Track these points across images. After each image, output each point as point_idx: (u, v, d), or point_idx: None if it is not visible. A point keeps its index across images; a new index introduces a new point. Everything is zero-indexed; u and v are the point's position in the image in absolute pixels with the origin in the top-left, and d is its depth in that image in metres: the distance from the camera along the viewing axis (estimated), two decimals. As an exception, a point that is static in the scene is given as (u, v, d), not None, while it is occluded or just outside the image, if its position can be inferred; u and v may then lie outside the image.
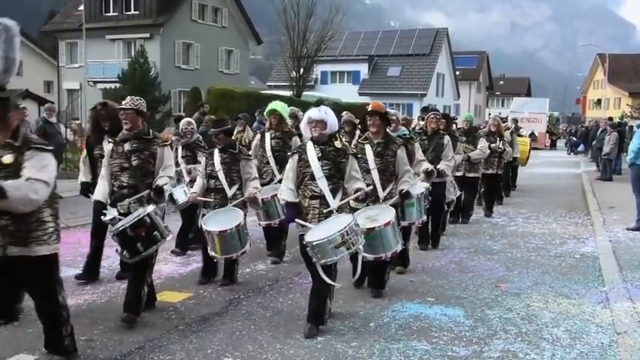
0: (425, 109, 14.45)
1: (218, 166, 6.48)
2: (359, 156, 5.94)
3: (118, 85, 28.57)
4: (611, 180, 18.02)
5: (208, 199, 6.51)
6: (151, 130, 5.64)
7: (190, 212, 7.70)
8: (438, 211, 8.52)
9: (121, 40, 35.68)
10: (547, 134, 42.94)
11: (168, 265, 7.48)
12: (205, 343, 4.89)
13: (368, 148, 6.17)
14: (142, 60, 29.43)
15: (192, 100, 25.87)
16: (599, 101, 58.14)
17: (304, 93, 34.77)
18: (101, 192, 5.58)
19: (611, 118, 24.12)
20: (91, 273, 6.65)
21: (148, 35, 34.24)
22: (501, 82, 74.48)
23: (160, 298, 5.96)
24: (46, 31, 40.88)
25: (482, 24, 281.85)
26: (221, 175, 6.46)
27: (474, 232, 10.08)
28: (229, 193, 6.46)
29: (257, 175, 6.70)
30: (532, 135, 38.47)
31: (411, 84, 45.20)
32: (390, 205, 5.87)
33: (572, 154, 35.63)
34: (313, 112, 5.21)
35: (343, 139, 5.86)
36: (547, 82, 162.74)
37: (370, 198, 5.79)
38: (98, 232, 6.51)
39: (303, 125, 5.33)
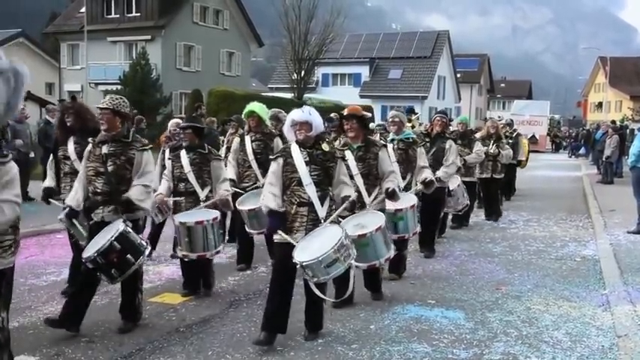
0: (410, 111, 14.46)
1: (187, 167, 6.11)
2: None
3: (119, 86, 28.60)
4: (612, 183, 18.01)
5: (178, 199, 6.15)
6: (131, 133, 5.25)
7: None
8: (434, 216, 8.14)
9: (122, 42, 35.74)
10: (549, 137, 42.96)
11: (169, 266, 7.48)
12: (206, 345, 4.89)
13: (349, 154, 5.87)
14: (144, 62, 29.48)
15: (193, 102, 25.89)
16: (600, 104, 58.12)
17: (305, 95, 34.79)
18: (73, 196, 5.15)
19: (614, 122, 24.13)
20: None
21: (149, 37, 34.30)
22: (502, 85, 74.47)
23: (160, 300, 5.97)
24: (48, 33, 40.96)
25: (484, 27, 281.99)
26: (191, 177, 6.10)
27: (474, 234, 10.07)
28: (202, 195, 6.11)
29: (227, 177, 6.45)
30: (533, 138, 38.57)
31: (412, 86, 45.24)
32: (378, 210, 5.70)
33: (573, 156, 35.62)
34: (297, 114, 4.89)
35: (332, 142, 5.68)
36: (548, 85, 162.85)
37: (356, 205, 5.49)
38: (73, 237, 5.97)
39: (286, 128, 5.01)
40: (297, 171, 4.82)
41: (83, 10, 33.50)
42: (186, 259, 6.04)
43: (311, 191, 4.79)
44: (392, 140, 7.03)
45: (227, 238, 8.18)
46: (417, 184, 6.92)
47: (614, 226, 10.44)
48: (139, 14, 35.26)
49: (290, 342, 4.98)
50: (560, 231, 10.56)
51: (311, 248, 4.56)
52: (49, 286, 6.64)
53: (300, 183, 4.81)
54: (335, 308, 5.67)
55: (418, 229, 6.73)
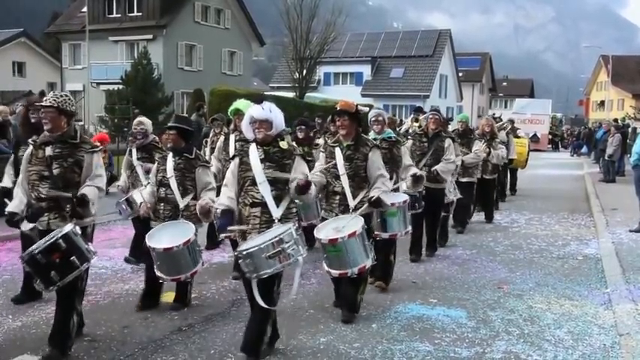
0: (418, 110, 13.50)
1: (170, 172, 5.66)
2: (329, 160, 5.59)
3: (121, 86, 28.63)
4: (614, 182, 17.98)
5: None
6: (78, 133, 4.76)
7: (146, 219, 6.38)
8: (435, 217, 7.98)
9: (124, 42, 35.75)
10: (552, 137, 42.91)
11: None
12: (208, 344, 4.90)
13: (338, 152, 5.56)
14: (145, 61, 29.47)
15: (194, 102, 25.90)
16: (602, 103, 58.06)
17: (307, 94, 34.77)
18: (16, 204, 4.69)
19: (616, 120, 24.10)
20: (30, 294, 5.81)
21: (150, 37, 34.32)
22: (504, 84, 74.37)
23: (163, 299, 5.97)
24: (50, 33, 40.97)
25: (486, 25, 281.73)
26: (173, 183, 5.64)
27: (476, 233, 10.07)
28: (181, 203, 5.63)
29: (215, 186, 5.79)
30: (534, 137, 38.50)
31: (413, 85, 45.20)
32: (361, 215, 5.27)
33: (575, 155, 35.58)
34: (256, 111, 4.52)
35: (290, 139, 5.28)
36: (550, 84, 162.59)
37: (315, 194, 5.26)
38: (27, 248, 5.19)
39: (244, 125, 4.63)
40: (251, 169, 4.49)
41: (85, 9, 33.52)
42: (160, 280, 5.51)
43: (265, 190, 4.44)
44: (374, 140, 6.53)
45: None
46: (405, 180, 6.70)
47: (616, 225, 10.43)
48: (140, 14, 35.28)
49: (292, 341, 4.99)
50: (562, 230, 10.55)
51: (257, 241, 4.28)
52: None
53: (254, 182, 4.49)
54: (345, 323, 5.43)
55: (410, 229, 6.41)
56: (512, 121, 16.37)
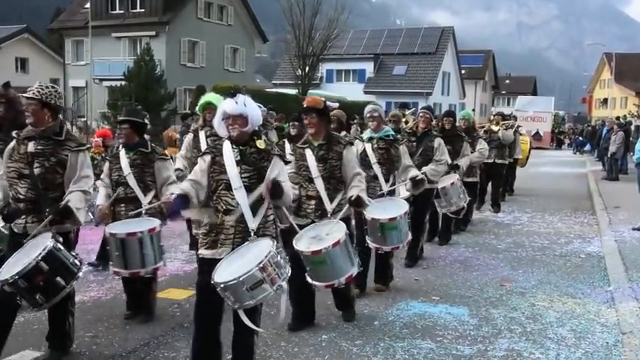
0: (403, 106, 12.82)
1: (127, 169, 5.25)
2: (300, 163, 5.19)
3: (123, 82, 28.64)
4: (617, 179, 17.94)
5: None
6: (64, 129, 4.42)
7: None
8: (419, 222, 7.31)
9: (126, 38, 35.79)
10: (555, 134, 42.79)
11: (173, 262, 7.49)
12: (210, 340, 4.89)
13: (309, 153, 5.12)
14: (148, 58, 29.44)
15: (197, 98, 25.91)
16: (605, 100, 57.93)
17: (310, 91, 34.74)
18: None
19: (618, 118, 24.05)
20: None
21: (153, 33, 34.35)
22: (507, 81, 74.26)
23: (165, 296, 5.98)
24: (52, 29, 41.02)
25: (489, 23, 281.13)
26: (131, 180, 5.23)
27: (478, 230, 10.06)
28: (144, 201, 5.23)
29: (176, 179, 5.48)
30: (537, 134, 38.41)
31: (416, 83, 45.13)
32: (340, 219, 4.86)
33: (577, 153, 35.51)
34: (229, 105, 4.00)
35: (268, 138, 4.75)
36: (553, 82, 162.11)
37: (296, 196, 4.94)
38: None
39: (216, 122, 4.13)
40: (225, 172, 3.99)
41: (87, 5, 33.63)
42: (117, 277, 5.10)
43: (241, 197, 3.94)
44: (370, 139, 6.26)
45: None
46: (405, 184, 6.32)
47: (619, 223, 10.41)
48: (143, 10, 35.31)
49: (294, 337, 4.99)
50: (564, 227, 10.53)
51: (234, 266, 3.73)
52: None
53: (228, 187, 3.96)
54: (346, 322, 5.35)
55: (410, 237, 5.91)
56: (514, 118, 16.19)
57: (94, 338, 4.92)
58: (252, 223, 3.95)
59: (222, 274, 3.71)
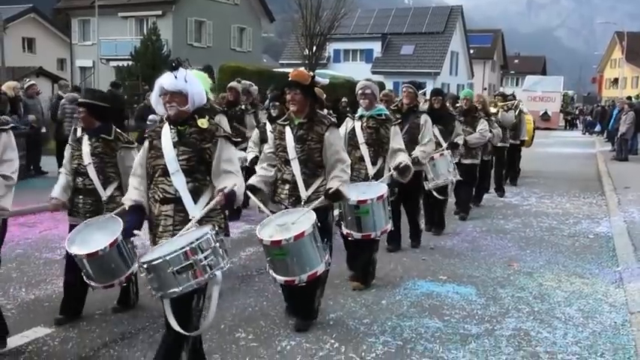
0: (416, 86, 12.57)
1: (87, 157, 4.69)
2: (278, 142, 4.69)
3: (130, 62, 28.59)
4: (627, 160, 17.85)
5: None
6: None
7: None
8: (414, 204, 7.10)
9: (133, 18, 35.65)
10: (562, 114, 42.42)
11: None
12: (218, 319, 4.91)
13: (288, 132, 4.64)
14: (154, 38, 29.38)
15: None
16: (615, 80, 57.34)
17: (317, 71, 34.53)
18: None
19: (629, 98, 23.83)
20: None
21: (160, 13, 34.19)
22: (516, 61, 73.62)
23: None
24: (59, 9, 40.84)
25: (498, 1, 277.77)
26: (91, 171, 4.69)
27: (486, 211, 10.03)
28: (104, 195, 4.72)
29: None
30: (545, 115, 38.13)
31: (424, 62, 44.84)
32: (316, 210, 4.38)
33: (587, 133, 35.26)
34: (166, 80, 3.57)
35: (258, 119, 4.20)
36: (563, 61, 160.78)
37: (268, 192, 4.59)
38: None
39: (153, 98, 3.69)
40: (162, 156, 3.60)
41: (94, -15, 33.37)
42: (91, 289, 4.59)
43: (179, 182, 3.55)
44: (361, 117, 5.88)
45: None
46: (390, 171, 5.84)
47: (629, 204, 10.36)
48: (149, -11, 35.09)
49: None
50: (573, 208, 10.49)
51: (163, 249, 3.34)
52: (63, 259, 6.70)
53: (165, 172, 3.58)
54: (298, 332, 4.67)
55: (389, 226, 5.45)
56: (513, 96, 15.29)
57: (103, 315, 4.96)
58: (193, 211, 3.53)
59: (148, 256, 3.33)
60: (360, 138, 5.76)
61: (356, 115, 5.96)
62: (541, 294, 5.73)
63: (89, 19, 35.37)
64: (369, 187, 5.39)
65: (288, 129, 4.64)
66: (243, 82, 9.20)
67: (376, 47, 46.74)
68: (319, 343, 4.48)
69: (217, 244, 3.31)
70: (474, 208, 9.94)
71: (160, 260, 3.18)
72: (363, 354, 4.31)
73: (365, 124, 5.80)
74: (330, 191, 4.47)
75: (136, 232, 3.63)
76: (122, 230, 4.04)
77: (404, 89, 7.00)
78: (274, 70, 30.78)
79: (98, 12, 30.16)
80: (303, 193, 4.58)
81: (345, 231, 5.39)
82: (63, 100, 12.11)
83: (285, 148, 4.61)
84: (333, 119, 4.92)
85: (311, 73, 4.70)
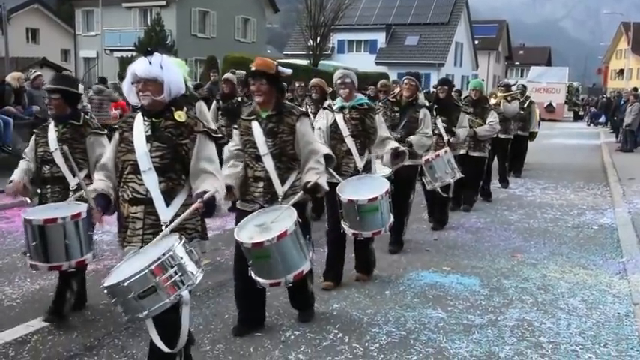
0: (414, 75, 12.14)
1: (54, 144, 4.48)
2: (245, 138, 4.33)
3: (134, 53, 28.55)
4: (632, 151, 17.78)
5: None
6: None
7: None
8: (404, 203, 6.57)
9: (137, 8, 35.61)
10: (567, 106, 42.19)
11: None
12: (222, 309, 4.94)
13: (255, 127, 4.30)
14: (158, 28, 29.42)
15: (208, 69, 25.82)
16: (621, 71, 57.02)
17: (321, 62, 34.49)
18: None
19: (635, 89, 23.69)
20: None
21: (164, 3, 34.16)
22: (521, 52, 73.23)
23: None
24: (63, -1, 40.88)
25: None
26: (58, 158, 4.45)
27: (490, 202, 10.00)
28: (72, 183, 4.48)
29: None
30: (550, 106, 37.94)
31: (428, 53, 44.67)
32: (294, 205, 4.15)
33: (592, 125, 35.12)
34: (140, 66, 3.27)
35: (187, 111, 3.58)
36: (568, 52, 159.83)
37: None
38: None
39: (125, 86, 3.40)
40: (133, 150, 3.29)
41: (97, -25, 33.31)
42: (34, 270, 4.43)
43: (150, 182, 3.24)
44: (342, 108, 5.51)
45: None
46: (381, 158, 5.63)
47: (633, 195, 10.33)
48: (153, -21, 35.03)
49: (305, 306, 5.02)
50: (577, 199, 10.47)
51: (131, 267, 3.02)
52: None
53: (136, 169, 3.27)
54: (304, 322, 4.64)
55: (392, 220, 5.33)
56: (524, 87, 14.57)
57: (109, 305, 4.98)
58: (165, 215, 3.24)
59: (113, 276, 3.03)
60: (345, 131, 5.40)
61: (335, 107, 5.58)
62: (545, 285, 5.73)
63: (93, 10, 35.34)
64: (370, 181, 5.24)
65: (255, 124, 4.30)
66: (238, 72, 8.98)
67: (380, 38, 46.56)
68: (323, 332, 4.50)
69: (184, 258, 3.00)
70: (479, 200, 9.79)
71: (119, 286, 2.89)
72: (366, 344, 4.32)
73: (348, 116, 5.45)
74: (309, 185, 4.18)
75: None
76: (90, 209, 3.63)
77: (405, 81, 6.64)
78: (278, 61, 30.74)
79: (102, 2, 30.15)
80: (279, 190, 4.26)
81: (350, 231, 5.22)
82: (90, 93, 12.22)
83: (255, 144, 4.26)
84: (302, 109, 4.63)
85: (275, 62, 4.40)
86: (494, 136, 9.70)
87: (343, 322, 4.73)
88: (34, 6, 39.27)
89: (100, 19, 31.88)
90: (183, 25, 34.58)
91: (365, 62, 39.96)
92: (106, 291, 2.96)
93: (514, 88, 12.61)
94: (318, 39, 35.17)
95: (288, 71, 4.35)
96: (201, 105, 6.20)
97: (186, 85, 5.84)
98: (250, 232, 3.94)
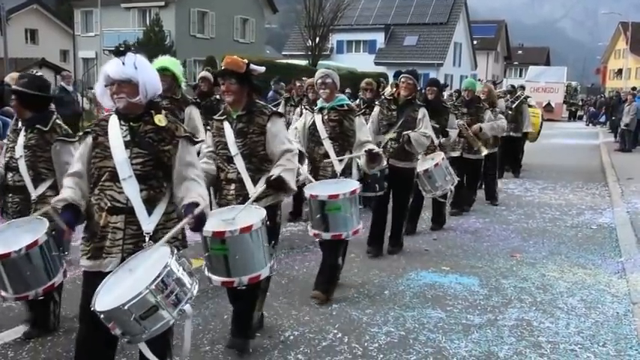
0: (399, 74, 12.18)
1: (20, 150, 4.13)
2: (217, 139, 4.18)
3: (133, 53, 28.60)
4: (631, 151, 17.80)
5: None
6: None
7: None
8: (402, 205, 6.52)
9: (136, 9, 35.59)
10: (565, 105, 42.19)
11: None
12: (221, 309, 4.94)
13: (227, 127, 4.15)
14: (157, 29, 29.39)
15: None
16: (619, 71, 57.05)
17: (320, 62, 34.49)
18: None
19: (634, 89, 23.73)
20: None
21: (162, 3, 34.14)
22: (520, 52, 73.26)
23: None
24: (62, 0, 40.80)
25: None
26: (22, 166, 4.13)
27: (497, 205, 9.98)
28: (33, 193, 4.15)
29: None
30: (548, 106, 37.92)
31: (427, 53, 44.66)
32: (254, 201, 3.97)
33: (590, 124, 35.13)
34: (113, 67, 3.08)
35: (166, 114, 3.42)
36: (567, 53, 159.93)
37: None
38: None
39: (98, 89, 3.19)
40: (110, 157, 3.10)
41: (96, -24, 33.31)
42: (2, 300, 4.16)
43: (131, 190, 3.07)
44: (321, 109, 5.28)
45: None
46: (358, 159, 5.28)
47: (632, 195, 10.35)
48: (151, -20, 35.02)
49: (305, 307, 5.03)
50: (576, 199, 10.48)
51: (121, 287, 2.86)
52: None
53: (114, 176, 3.09)
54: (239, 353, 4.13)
55: (360, 226, 5.00)
56: (522, 87, 14.57)
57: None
58: (148, 225, 3.08)
59: (103, 299, 2.84)
60: (323, 133, 5.17)
61: (315, 108, 5.41)
62: (544, 284, 5.74)
63: (92, 10, 35.30)
64: (339, 184, 4.98)
65: (226, 124, 4.15)
66: (207, 68, 9.01)
67: (379, 38, 46.56)
68: (322, 333, 4.51)
69: (180, 271, 2.88)
70: (478, 200, 9.73)
71: (119, 310, 2.72)
72: (365, 344, 4.33)
73: (326, 117, 5.21)
74: (272, 178, 3.97)
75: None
76: (51, 230, 3.57)
77: (403, 80, 6.37)
78: (277, 61, 30.74)
79: (101, 3, 30.09)
80: (251, 190, 4.06)
81: (312, 231, 4.94)
82: (91, 93, 12.15)
83: (226, 145, 4.11)
84: (274, 109, 4.46)
85: (245, 61, 4.15)
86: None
87: (342, 322, 4.73)
88: (33, 6, 39.23)
89: (98, 20, 31.83)
90: (182, 26, 34.56)
91: (364, 62, 39.96)
92: (102, 316, 2.79)
93: (504, 87, 12.43)
94: (317, 39, 35.18)
95: (261, 69, 4.20)
96: (191, 110, 5.94)
97: (180, 87, 5.83)
98: (215, 224, 3.71)
